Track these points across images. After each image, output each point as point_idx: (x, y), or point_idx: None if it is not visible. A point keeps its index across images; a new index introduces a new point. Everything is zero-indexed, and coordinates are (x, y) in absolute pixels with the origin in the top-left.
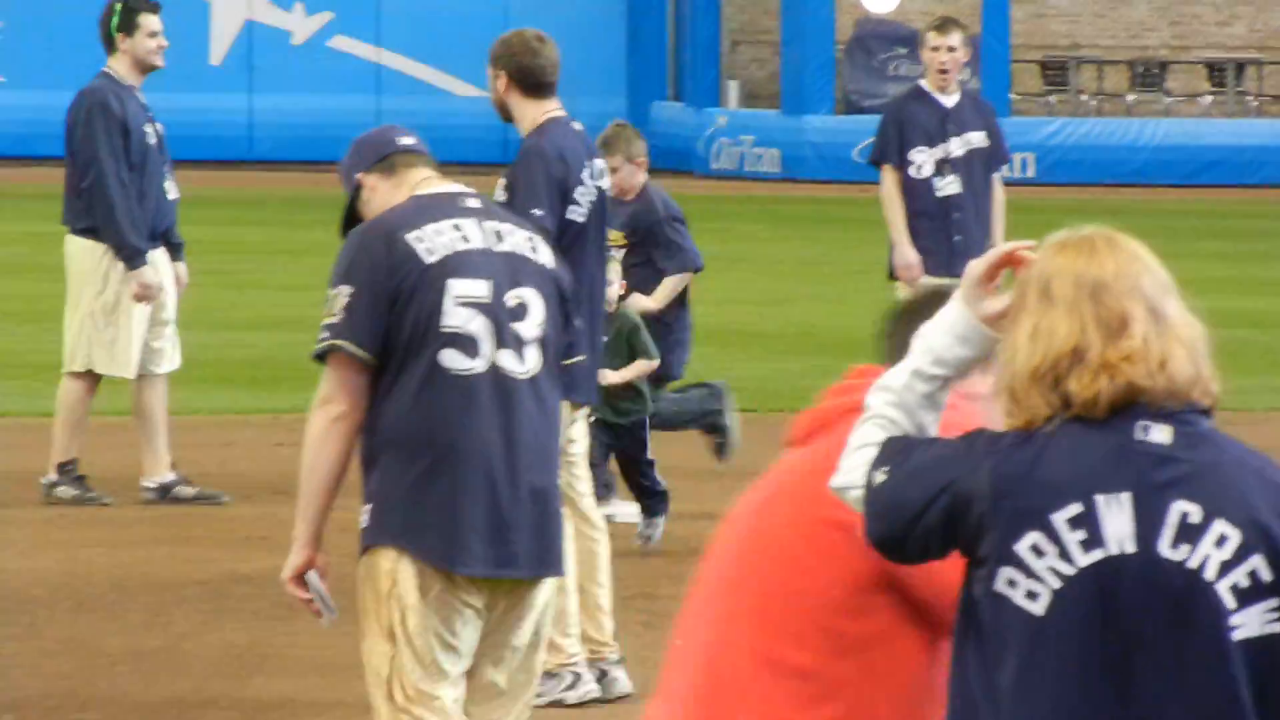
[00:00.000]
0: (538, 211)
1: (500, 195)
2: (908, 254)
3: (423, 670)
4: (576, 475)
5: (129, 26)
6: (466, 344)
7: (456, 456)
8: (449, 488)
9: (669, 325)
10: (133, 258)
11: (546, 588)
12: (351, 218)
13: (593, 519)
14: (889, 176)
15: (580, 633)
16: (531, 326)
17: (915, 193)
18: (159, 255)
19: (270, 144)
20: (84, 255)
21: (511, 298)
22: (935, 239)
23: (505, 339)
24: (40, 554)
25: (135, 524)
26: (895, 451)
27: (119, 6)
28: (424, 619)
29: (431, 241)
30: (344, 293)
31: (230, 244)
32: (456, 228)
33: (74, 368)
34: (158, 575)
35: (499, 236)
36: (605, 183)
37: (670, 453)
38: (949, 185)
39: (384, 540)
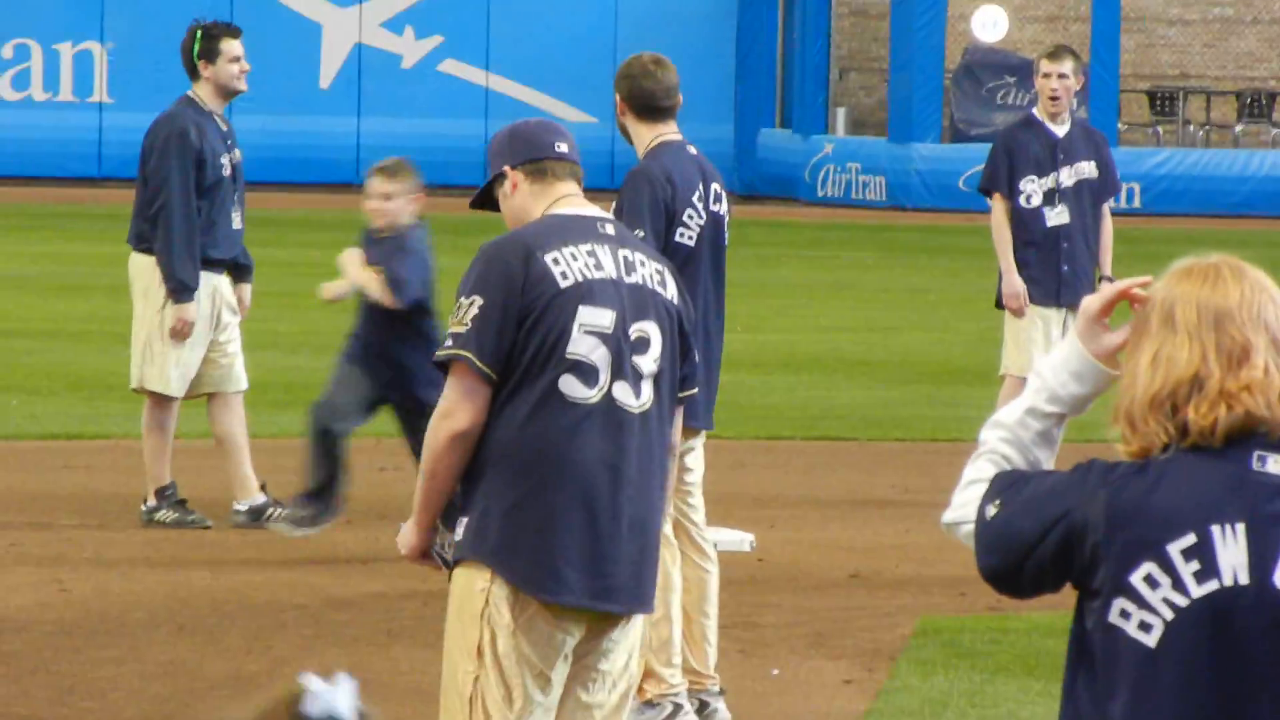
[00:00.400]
0: (639, 233)
1: None
2: (1015, 283)
3: (508, 695)
4: (691, 505)
5: (210, 53)
6: (587, 372)
7: (560, 483)
8: (548, 514)
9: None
10: (179, 291)
11: (639, 623)
12: (487, 197)
13: (705, 549)
14: (998, 205)
15: (682, 663)
16: (650, 361)
17: (1024, 222)
18: (220, 281)
19: None
20: (145, 273)
21: (635, 330)
22: (1043, 269)
23: (624, 371)
24: (141, 577)
25: (236, 547)
26: (1007, 484)
27: (200, 33)
28: (514, 642)
29: (567, 265)
30: (475, 303)
31: (330, 266)
32: (591, 254)
33: (134, 386)
34: (258, 599)
35: (629, 267)
36: (721, 207)
37: (766, 479)
38: (1058, 215)
39: (478, 557)
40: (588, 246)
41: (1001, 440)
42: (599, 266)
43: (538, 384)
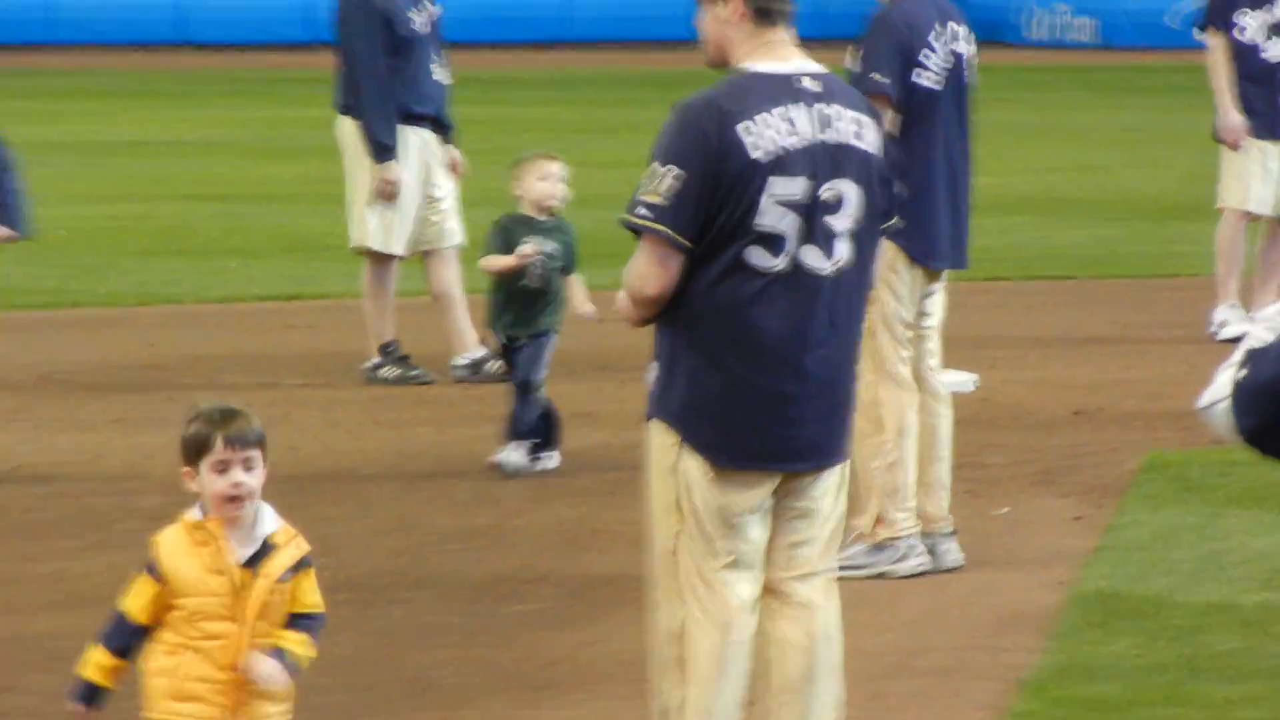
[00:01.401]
0: (877, 76)
1: (847, 62)
2: (1233, 117)
3: (709, 547)
4: (929, 349)
5: None
6: (773, 242)
7: (743, 350)
8: (731, 380)
9: None
10: (379, 153)
11: (835, 472)
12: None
13: (939, 393)
14: (1215, 41)
15: (915, 506)
16: (844, 219)
17: (1242, 57)
18: (428, 136)
19: (587, 24)
20: (353, 135)
21: (828, 190)
22: (1262, 102)
23: (814, 235)
24: (368, 434)
25: (460, 402)
26: (1255, 352)
27: None
28: (708, 496)
29: (759, 135)
30: (670, 174)
31: (549, 122)
32: (786, 118)
33: (353, 246)
34: (485, 453)
35: (825, 123)
36: (963, 46)
37: (986, 320)
38: (1276, 49)
39: (665, 417)
40: (782, 110)
41: (1265, 329)
42: (793, 131)
43: (724, 254)
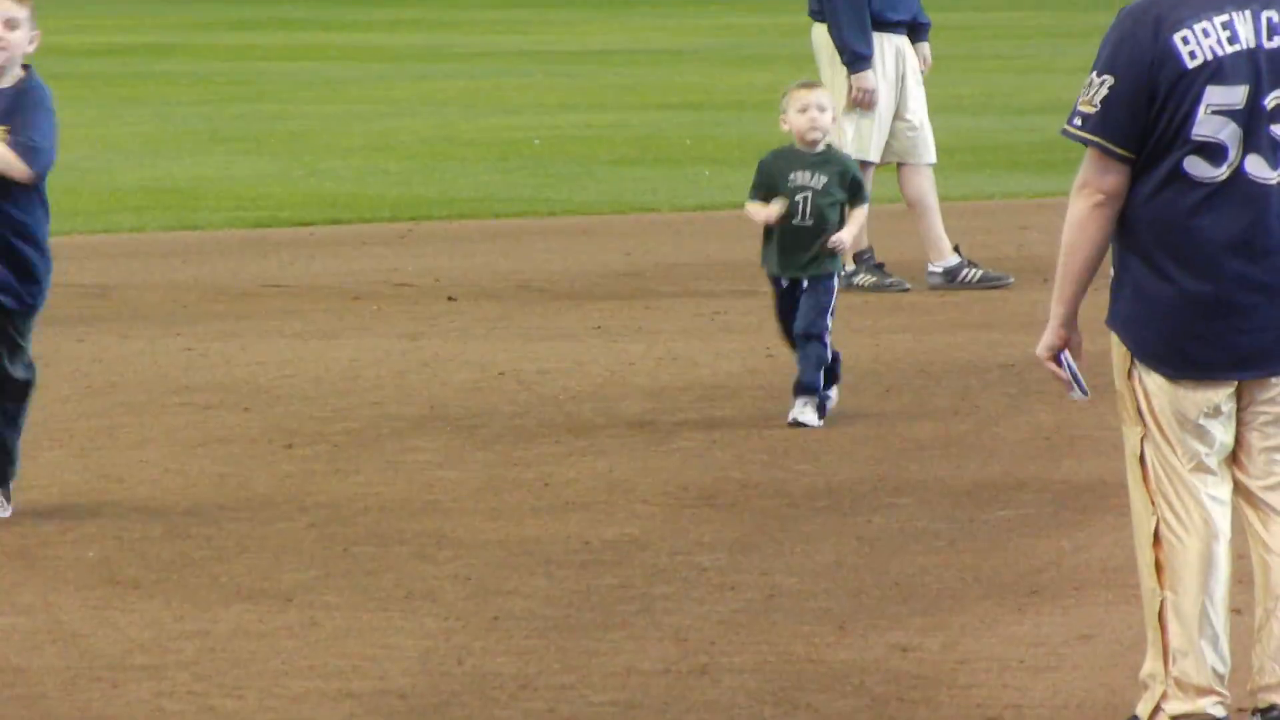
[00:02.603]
0: None
1: None
2: None
3: (1172, 450)
4: None
5: None
6: (1213, 152)
7: (1184, 261)
8: (1174, 292)
9: None
10: (852, 61)
11: None
12: None
13: None
14: None
15: None
16: None
17: None
18: (901, 44)
19: None
20: (828, 43)
21: (1273, 99)
22: None
23: (1257, 143)
24: (846, 341)
25: (935, 309)
26: None
27: None
28: (1165, 401)
29: (1196, 44)
30: (1105, 83)
31: (1015, 28)
32: (1226, 25)
33: None
34: (961, 359)
35: (1271, 29)
36: None
37: None
38: None
39: (1113, 326)
40: (1223, 17)
41: None
42: (1233, 39)
43: (1161, 165)
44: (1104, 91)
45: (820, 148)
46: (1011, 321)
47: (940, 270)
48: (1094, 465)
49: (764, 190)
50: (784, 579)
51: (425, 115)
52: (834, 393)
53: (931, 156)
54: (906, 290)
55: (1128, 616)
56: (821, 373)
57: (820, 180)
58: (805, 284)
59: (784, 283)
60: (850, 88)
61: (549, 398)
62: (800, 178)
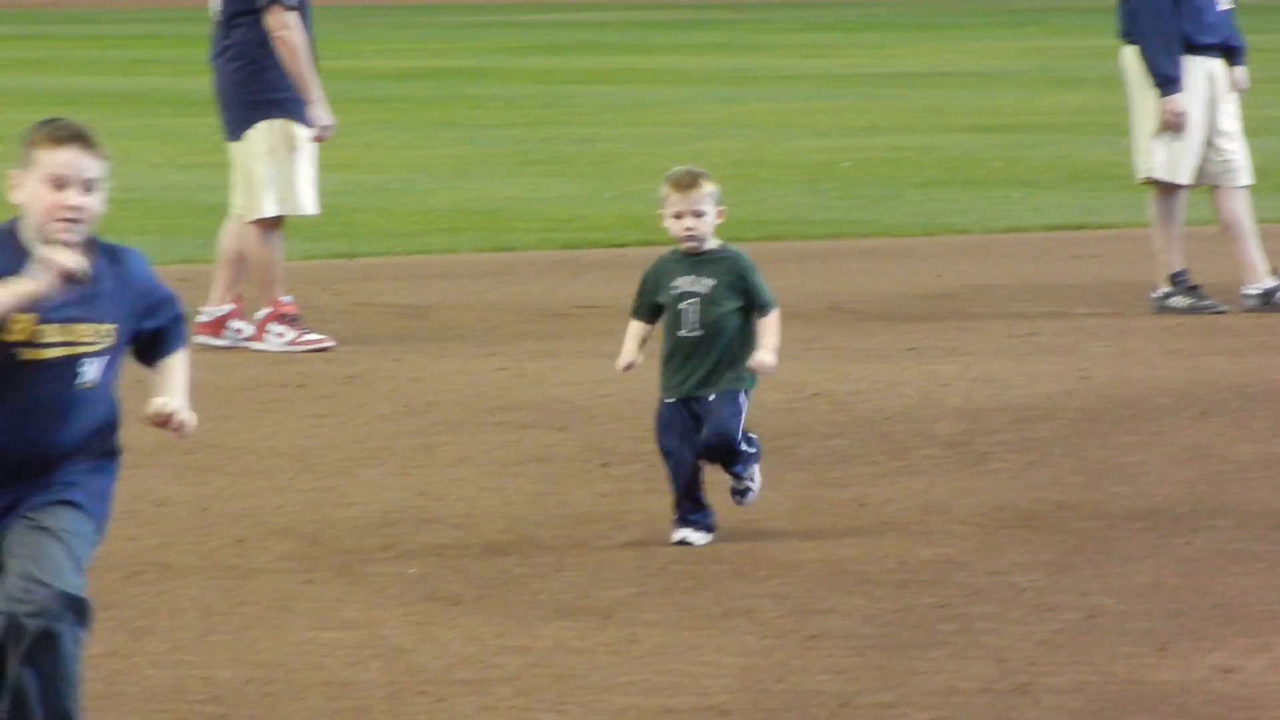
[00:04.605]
0: None
1: None
2: None
3: None
4: None
5: None
6: None
7: None
8: None
9: None
10: (1162, 84)
11: None
12: None
13: None
14: None
15: None
16: None
17: None
18: (1214, 67)
19: None
20: (1137, 65)
21: None
22: None
23: None
24: (1161, 363)
25: (1252, 332)
26: None
27: None
28: None
29: None
30: None
31: None
32: None
33: (1139, 176)
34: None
35: None
36: None
37: None
38: None
39: None
40: None
41: None
42: None
43: None
44: None
45: (708, 245)
46: None
47: (1256, 293)
48: None
49: (646, 307)
50: (1103, 599)
51: (734, 138)
52: (757, 477)
53: (1246, 179)
54: (1222, 313)
55: None
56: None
57: (707, 284)
58: (710, 397)
59: (669, 400)
60: (1161, 110)
61: (863, 419)
62: (684, 283)
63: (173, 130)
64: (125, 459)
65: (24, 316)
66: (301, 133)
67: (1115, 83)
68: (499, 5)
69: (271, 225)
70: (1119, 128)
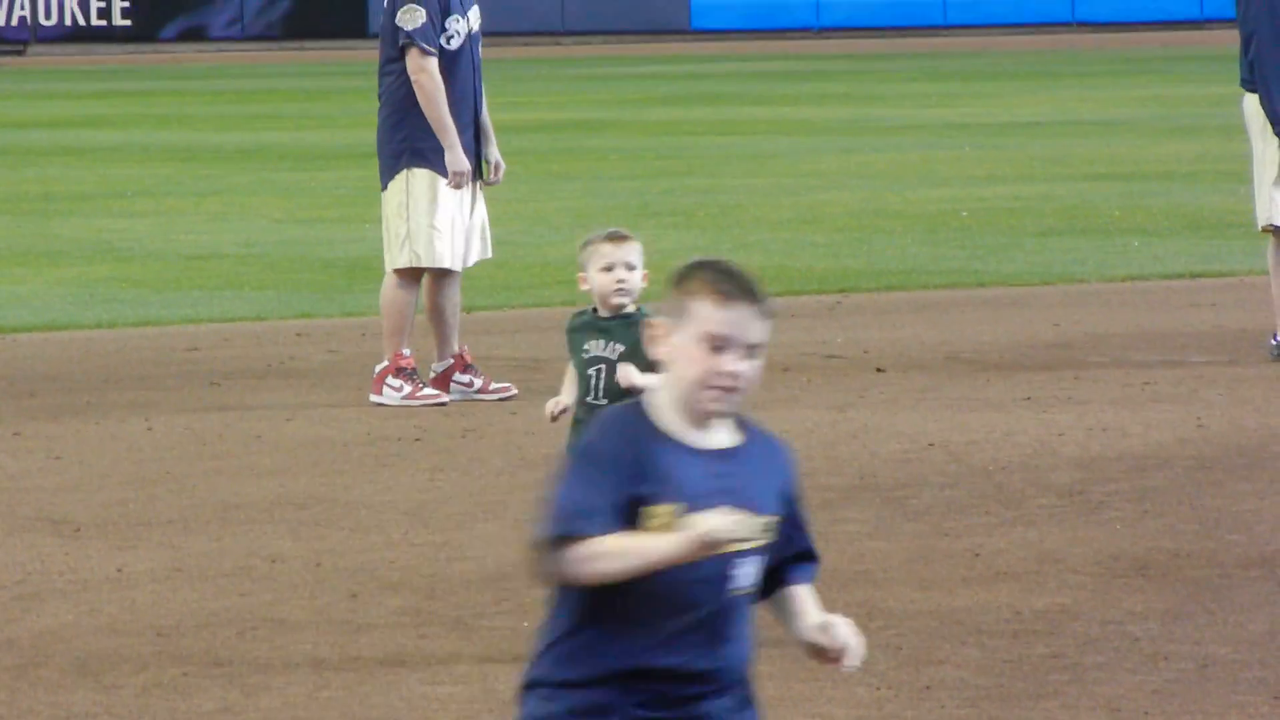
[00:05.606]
0: None
1: None
2: None
3: None
4: None
5: None
6: None
7: None
8: None
9: None
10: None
11: None
12: None
13: None
14: None
15: None
16: None
17: None
18: None
19: None
20: (1258, 112)
21: None
22: None
23: None
24: (1276, 410)
25: None
26: None
27: None
28: None
29: None
30: None
31: None
32: None
33: (1260, 224)
34: None
35: None
36: None
37: None
38: None
39: None
40: None
41: None
42: None
43: None
44: None
45: (626, 309)
46: None
47: None
48: None
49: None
50: (1217, 649)
51: (853, 188)
52: None
53: None
54: None
55: None
56: None
57: (616, 350)
58: None
59: None
60: None
61: (978, 468)
62: (593, 348)
63: (292, 185)
64: (238, 515)
65: (664, 509)
66: (442, 183)
67: (1234, 130)
68: (619, 57)
69: (408, 277)
70: (1238, 175)
